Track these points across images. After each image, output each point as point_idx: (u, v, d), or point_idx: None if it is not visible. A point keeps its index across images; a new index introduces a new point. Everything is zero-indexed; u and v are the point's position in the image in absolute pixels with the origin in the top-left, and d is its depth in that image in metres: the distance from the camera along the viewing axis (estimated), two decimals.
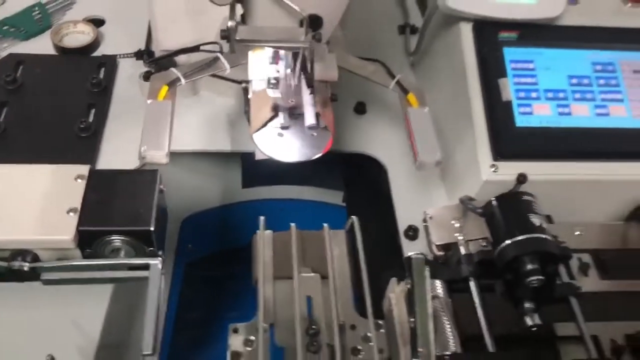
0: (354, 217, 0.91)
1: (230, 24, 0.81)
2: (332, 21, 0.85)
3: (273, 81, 0.94)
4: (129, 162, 1.05)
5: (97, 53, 1.28)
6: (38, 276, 0.89)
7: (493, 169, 1.03)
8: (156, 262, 0.88)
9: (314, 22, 0.82)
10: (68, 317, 0.90)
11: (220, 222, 1.46)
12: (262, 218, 0.93)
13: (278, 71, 0.95)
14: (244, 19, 0.87)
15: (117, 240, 0.94)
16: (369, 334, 0.84)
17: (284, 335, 0.85)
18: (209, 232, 1.46)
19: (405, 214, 1.11)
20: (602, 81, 1.13)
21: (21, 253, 0.88)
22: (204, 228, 1.45)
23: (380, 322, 0.88)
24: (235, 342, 0.85)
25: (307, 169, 1.50)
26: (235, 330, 0.86)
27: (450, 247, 0.99)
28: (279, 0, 0.80)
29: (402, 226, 1.09)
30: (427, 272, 0.86)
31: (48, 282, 0.89)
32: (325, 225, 0.93)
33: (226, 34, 0.82)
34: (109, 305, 0.94)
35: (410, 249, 1.01)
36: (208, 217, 1.45)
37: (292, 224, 0.93)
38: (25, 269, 0.87)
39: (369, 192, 1.33)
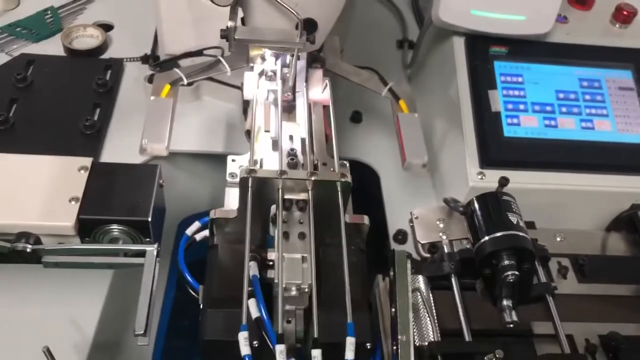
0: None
1: (230, 24, 0.86)
2: (327, 26, 0.90)
3: (270, 74, 0.98)
4: (131, 159, 1.09)
5: (105, 56, 1.33)
6: (39, 259, 0.93)
7: (480, 176, 1.07)
8: (152, 249, 0.92)
9: (309, 26, 0.87)
10: (66, 309, 0.93)
11: None
12: None
13: (276, 64, 0.99)
14: (243, 22, 0.92)
15: (115, 229, 0.98)
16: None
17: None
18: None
19: (395, 219, 1.14)
20: (588, 97, 1.18)
21: (25, 235, 0.92)
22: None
23: None
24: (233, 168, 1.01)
25: None
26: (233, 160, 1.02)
27: (437, 250, 1.03)
28: (276, 5, 0.85)
29: (392, 230, 1.12)
30: (408, 265, 0.90)
31: (48, 265, 0.92)
32: None
33: (226, 33, 0.87)
34: (105, 301, 0.97)
35: None
36: (205, 220, 1.47)
37: None
38: (28, 250, 0.91)
39: (362, 198, 1.36)
